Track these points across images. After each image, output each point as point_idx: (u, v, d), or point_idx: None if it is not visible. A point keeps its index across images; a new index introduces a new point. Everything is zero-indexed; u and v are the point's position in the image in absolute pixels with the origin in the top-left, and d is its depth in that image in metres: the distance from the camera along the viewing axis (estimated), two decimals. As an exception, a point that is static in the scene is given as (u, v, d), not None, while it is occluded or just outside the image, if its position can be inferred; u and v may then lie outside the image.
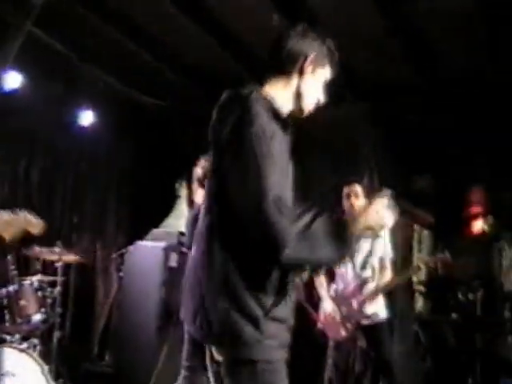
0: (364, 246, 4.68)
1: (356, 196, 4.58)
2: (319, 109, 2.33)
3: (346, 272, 4.66)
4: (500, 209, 8.10)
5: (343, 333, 4.51)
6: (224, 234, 2.00)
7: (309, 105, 2.24)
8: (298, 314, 2.12)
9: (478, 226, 8.40)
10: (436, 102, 6.08)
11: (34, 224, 2.35)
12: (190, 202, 7.35)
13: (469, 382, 5.77)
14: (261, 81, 2.21)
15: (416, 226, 8.24)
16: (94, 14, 4.86)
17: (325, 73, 2.27)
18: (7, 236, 2.28)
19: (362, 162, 6.17)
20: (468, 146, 6.65)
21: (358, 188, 4.62)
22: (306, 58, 2.18)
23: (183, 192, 7.41)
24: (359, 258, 4.67)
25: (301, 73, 2.19)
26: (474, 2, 4.45)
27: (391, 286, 4.64)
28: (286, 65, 2.18)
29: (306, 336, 5.71)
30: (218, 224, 2.03)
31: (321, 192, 6.09)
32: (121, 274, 5.56)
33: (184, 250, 5.11)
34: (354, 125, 6.26)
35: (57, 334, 4.53)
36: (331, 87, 2.33)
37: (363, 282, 4.60)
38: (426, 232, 8.55)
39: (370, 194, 4.79)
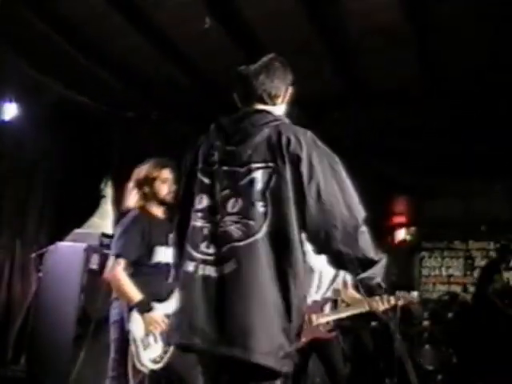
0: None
1: None
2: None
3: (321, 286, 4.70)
4: (422, 220, 8.36)
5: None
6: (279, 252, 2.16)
7: None
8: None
9: (401, 235, 8.66)
10: (363, 113, 6.22)
11: None
12: (118, 204, 7.23)
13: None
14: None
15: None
16: (29, 9, 4.72)
17: None
18: None
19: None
20: (393, 158, 6.81)
21: None
22: (287, 89, 2.60)
23: (108, 192, 7.28)
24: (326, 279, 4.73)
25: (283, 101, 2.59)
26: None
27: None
28: (273, 97, 2.50)
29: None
30: (271, 241, 2.16)
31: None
32: (40, 274, 5.38)
33: (106, 251, 4.99)
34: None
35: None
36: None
37: (325, 301, 4.68)
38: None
39: None
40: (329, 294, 4.74)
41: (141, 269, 3.58)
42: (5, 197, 6.24)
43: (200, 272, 2.20)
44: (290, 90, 2.63)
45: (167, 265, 3.54)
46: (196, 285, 2.19)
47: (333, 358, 4.62)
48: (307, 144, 2.26)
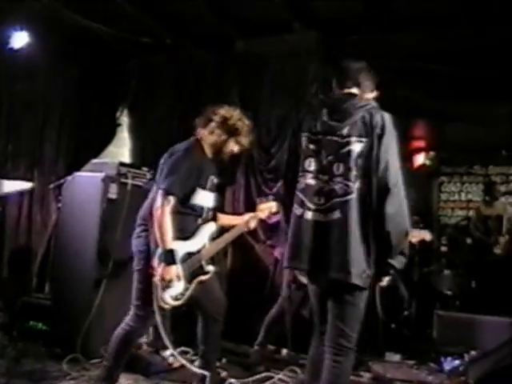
0: None
1: None
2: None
3: None
4: (442, 144, 8.23)
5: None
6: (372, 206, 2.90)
7: None
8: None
9: (420, 160, 8.54)
10: (385, 36, 6.03)
11: None
12: (134, 131, 7.19)
13: (404, 313, 5.97)
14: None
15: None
16: None
17: None
18: None
19: (308, 95, 6.10)
20: (415, 80, 6.65)
21: None
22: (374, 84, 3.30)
23: (124, 120, 7.23)
24: None
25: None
26: None
27: None
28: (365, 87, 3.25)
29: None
30: (360, 199, 2.92)
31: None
32: (59, 204, 5.40)
33: (123, 180, 4.98)
34: (302, 55, 6.16)
35: (-8, 268, 4.40)
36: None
37: None
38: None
39: None
40: None
41: (179, 207, 3.57)
42: (20, 127, 6.22)
43: (314, 217, 2.97)
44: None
45: (201, 208, 3.73)
46: (310, 226, 2.97)
47: None
48: (388, 126, 2.96)
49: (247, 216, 4.13)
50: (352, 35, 6.01)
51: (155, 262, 3.51)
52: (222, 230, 4.00)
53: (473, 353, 5.01)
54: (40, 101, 6.42)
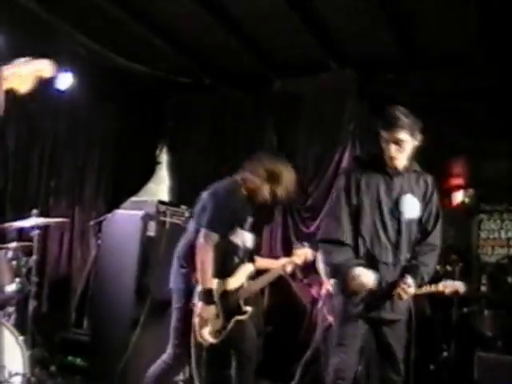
0: None
1: None
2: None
3: None
4: (481, 181, 8.14)
5: None
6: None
7: None
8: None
9: (459, 197, 8.44)
10: (418, 76, 6.05)
11: (44, 65, 2.12)
12: (173, 169, 7.29)
13: (444, 355, 5.85)
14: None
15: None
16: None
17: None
18: (21, 87, 2.09)
19: (345, 131, 6.14)
20: (451, 118, 6.63)
21: None
22: None
23: (163, 158, 7.34)
24: None
25: None
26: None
27: None
28: None
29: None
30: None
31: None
32: (99, 241, 5.50)
33: (162, 218, 5.06)
34: (339, 93, 6.21)
35: (33, 303, 4.47)
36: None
37: None
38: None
39: None
40: None
41: (220, 245, 3.63)
42: (63, 164, 6.38)
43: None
44: None
45: (239, 247, 3.80)
46: None
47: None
48: None
49: (284, 260, 4.20)
50: (386, 74, 6.04)
51: (195, 299, 3.55)
52: (259, 272, 4.05)
53: (515, 396, 4.87)
54: (81, 139, 6.59)
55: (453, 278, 6.05)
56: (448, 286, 4.59)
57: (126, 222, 5.12)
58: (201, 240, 3.57)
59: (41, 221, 4.66)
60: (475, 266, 7.95)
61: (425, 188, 3.50)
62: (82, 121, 6.53)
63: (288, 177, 3.85)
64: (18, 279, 4.15)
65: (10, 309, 4.19)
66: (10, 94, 2.06)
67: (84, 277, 6.28)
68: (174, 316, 3.71)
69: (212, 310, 3.54)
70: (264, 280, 4.06)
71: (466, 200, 8.37)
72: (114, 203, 5.77)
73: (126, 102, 6.80)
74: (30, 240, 4.62)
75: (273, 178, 3.79)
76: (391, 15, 5.13)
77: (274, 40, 5.76)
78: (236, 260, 3.81)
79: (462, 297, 5.65)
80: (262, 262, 4.15)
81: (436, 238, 3.47)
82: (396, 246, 3.35)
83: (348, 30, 5.47)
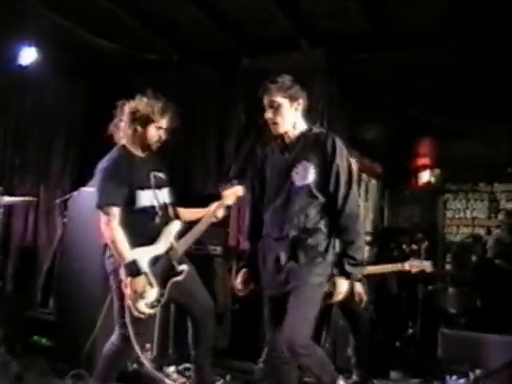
0: None
1: None
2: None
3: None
4: (447, 161, 8.24)
5: None
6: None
7: None
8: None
9: (425, 177, 8.56)
10: (390, 54, 6.06)
11: None
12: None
13: (409, 332, 5.96)
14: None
15: (364, 176, 8.31)
16: None
17: None
18: None
19: (314, 110, 6.13)
20: (420, 97, 6.67)
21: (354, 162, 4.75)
22: None
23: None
24: None
25: None
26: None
27: None
28: None
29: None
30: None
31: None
32: (65, 219, 5.42)
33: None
34: (308, 72, 6.19)
35: (-3, 282, 4.41)
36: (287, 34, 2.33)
37: None
38: (373, 181, 8.65)
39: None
40: None
41: (126, 215, 3.45)
42: (28, 142, 6.26)
43: None
44: None
45: (152, 207, 3.55)
46: None
47: (346, 301, 4.67)
48: None
49: (213, 205, 3.82)
50: (358, 53, 6.04)
51: (123, 277, 3.40)
52: (189, 226, 3.81)
53: (478, 371, 4.98)
54: (47, 116, 6.47)
55: (418, 257, 6.17)
56: (414, 266, 4.68)
57: (93, 199, 5.02)
58: (102, 220, 3.42)
59: (5, 199, 4.56)
60: (440, 244, 8.10)
61: (322, 152, 3.20)
62: (47, 97, 6.40)
63: (156, 108, 3.56)
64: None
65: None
66: None
67: (50, 255, 6.20)
68: (114, 298, 3.57)
69: (142, 280, 3.37)
70: (195, 233, 3.75)
71: (432, 180, 8.50)
72: (80, 181, 5.68)
73: (93, 79, 6.69)
74: (-6, 219, 4.54)
75: (142, 119, 3.55)
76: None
77: (245, 17, 5.70)
78: (156, 222, 3.58)
79: (428, 275, 5.74)
80: (188, 214, 3.86)
81: (353, 205, 3.18)
82: (286, 219, 3.17)
83: (319, 8, 5.43)
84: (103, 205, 3.43)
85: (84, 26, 5.80)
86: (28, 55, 5.68)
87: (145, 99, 3.62)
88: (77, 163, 6.73)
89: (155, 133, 3.59)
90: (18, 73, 5.76)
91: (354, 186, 3.21)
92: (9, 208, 5.42)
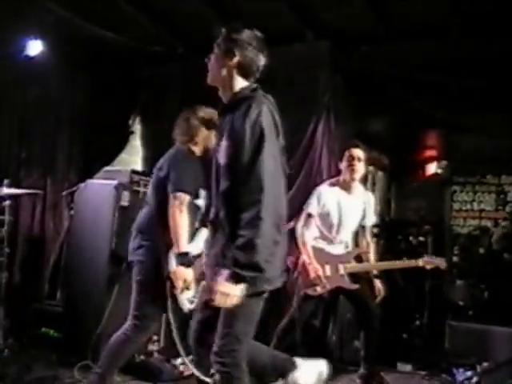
0: (356, 207, 4.74)
1: (358, 160, 4.70)
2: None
3: (339, 233, 4.72)
4: (454, 154, 8.20)
5: (318, 289, 4.59)
6: None
7: None
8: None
9: (432, 169, 8.53)
10: (394, 44, 6.03)
11: None
12: (147, 139, 7.22)
13: (416, 324, 5.95)
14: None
15: (371, 168, 8.27)
16: None
17: None
18: None
19: (320, 102, 6.11)
20: (426, 89, 6.64)
21: (359, 153, 4.73)
22: None
23: (137, 128, 7.25)
24: (352, 221, 4.74)
25: None
26: None
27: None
28: None
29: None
30: None
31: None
32: (71, 212, 5.44)
33: (136, 188, 5.02)
34: (313, 64, 6.16)
35: (5, 275, 4.41)
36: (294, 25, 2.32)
37: (358, 251, 4.85)
38: (380, 174, 8.62)
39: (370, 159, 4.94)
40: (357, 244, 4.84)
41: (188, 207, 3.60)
42: (34, 135, 6.26)
43: None
44: None
45: (198, 210, 3.77)
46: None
47: (360, 296, 4.69)
48: None
49: None
50: (362, 46, 6.01)
51: (171, 265, 3.51)
52: None
53: (485, 364, 4.97)
54: (52, 109, 6.45)
55: (425, 249, 6.16)
56: (429, 262, 4.65)
57: (99, 191, 5.06)
58: (175, 203, 3.50)
59: (12, 191, 4.57)
60: (448, 236, 8.06)
61: (232, 120, 2.68)
62: (53, 90, 6.38)
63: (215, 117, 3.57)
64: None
65: (-18, 279, 4.14)
66: None
67: (57, 248, 6.21)
68: (135, 289, 3.64)
69: (192, 272, 3.51)
70: None
71: (440, 172, 8.46)
72: (87, 173, 5.69)
73: (97, 72, 6.67)
74: (1, 211, 4.55)
75: (206, 123, 3.81)
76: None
77: (247, 7, 5.67)
78: (196, 225, 3.78)
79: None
80: None
81: (256, 184, 2.50)
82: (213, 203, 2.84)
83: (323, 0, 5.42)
84: (181, 191, 3.54)
85: (88, 18, 5.79)
86: (33, 47, 5.68)
87: (205, 108, 3.89)
88: (82, 156, 6.73)
89: (213, 138, 3.70)
90: (23, 65, 5.75)
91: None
92: (16, 200, 5.42)
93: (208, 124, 3.79)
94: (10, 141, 5.96)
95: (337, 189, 4.79)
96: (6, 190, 4.51)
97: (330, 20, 5.77)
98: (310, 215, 4.73)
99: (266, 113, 2.60)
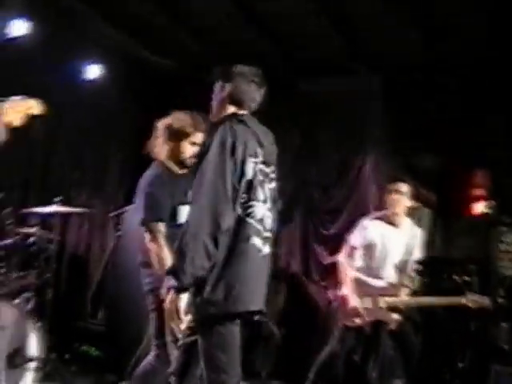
0: (400, 242, 4.70)
1: (402, 194, 4.67)
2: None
3: (382, 267, 4.68)
4: (502, 194, 8.05)
5: (357, 321, 4.55)
6: None
7: None
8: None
9: (479, 208, 8.36)
10: (445, 81, 6.00)
11: (33, 104, 2.26)
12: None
13: (459, 365, 5.79)
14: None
15: (417, 204, 8.16)
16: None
17: None
18: (15, 121, 2.22)
19: (369, 135, 6.11)
20: (476, 128, 6.58)
21: (404, 187, 4.71)
22: None
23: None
24: (396, 255, 4.70)
25: None
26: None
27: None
28: None
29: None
30: None
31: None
32: (118, 233, 5.52)
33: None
34: (364, 97, 6.18)
35: (51, 290, 4.49)
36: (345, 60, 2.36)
37: (400, 285, 4.70)
38: (426, 210, 8.51)
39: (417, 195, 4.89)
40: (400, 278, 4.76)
41: (167, 231, 3.36)
42: (86, 156, 6.41)
43: (268, 251, 2.73)
44: None
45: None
46: (266, 261, 2.76)
47: (401, 333, 4.61)
48: None
49: None
50: (414, 77, 6.00)
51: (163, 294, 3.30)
52: None
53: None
54: (105, 131, 6.62)
55: (471, 289, 6.01)
56: (473, 301, 4.52)
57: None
58: (147, 237, 3.33)
59: (63, 209, 4.68)
60: (493, 277, 7.86)
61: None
62: (107, 113, 6.56)
63: (191, 122, 3.54)
64: (37, 265, 4.17)
65: (28, 295, 4.21)
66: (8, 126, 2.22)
67: (101, 268, 6.30)
68: (152, 319, 3.54)
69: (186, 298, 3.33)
70: None
71: (487, 211, 8.29)
72: (134, 195, 5.77)
73: (149, 97, 6.82)
74: (51, 228, 4.65)
75: (176, 133, 3.54)
76: (418, 17, 5.08)
77: (300, 39, 5.75)
78: None
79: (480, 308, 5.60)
80: None
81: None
82: None
83: (377, 35, 5.44)
84: (149, 221, 3.36)
85: (145, 44, 5.95)
86: (91, 71, 5.87)
87: (178, 114, 3.64)
88: (131, 178, 6.83)
89: (189, 148, 3.56)
90: (80, 88, 5.93)
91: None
92: (64, 220, 5.53)
93: (177, 135, 3.55)
94: (63, 160, 6.12)
95: (382, 222, 4.76)
96: (57, 208, 4.62)
97: (382, 53, 5.79)
98: (353, 247, 4.71)
99: (224, 132, 2.67)
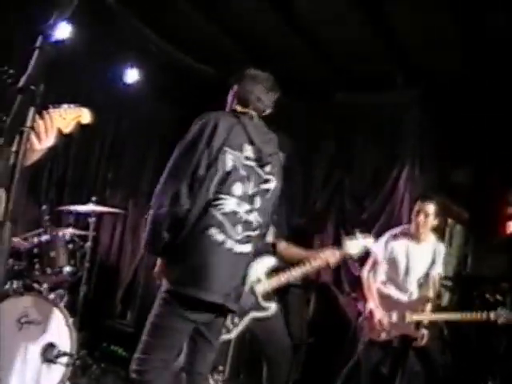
0: (424, 257, 4.67)
1: (426, 216, 4.59)
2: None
3: (405, 281, 4.65)
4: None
5: (383, 335, 4.52)
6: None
7: None
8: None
9: (514, 227, 8.24)
10: (485, 96, 5.93)
11: (83, 112, 2.35)
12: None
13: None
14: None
15: (450, 220, 8.09)
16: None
17: None
18: (65, 129, 2.31)
19: (406, 147, 6.07)
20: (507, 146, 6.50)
21: (429, 207, 4.60)
22: None
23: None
24: (419, 271, 4.66)
25: None
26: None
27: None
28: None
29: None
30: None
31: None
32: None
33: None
34: (402, 108, 6.15)
35: (83, 288, 4.56)
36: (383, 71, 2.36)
37: (425, 300, 4.66)
38: (458, 227, 8.41)
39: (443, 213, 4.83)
40: (423, 293, 4.71)
41: None
42: (122, 157, 6.49)
43: (232, 247, 2.78)
44: None
45: None
46: (228, 256, 2.80)
47: (428, 350, 4.55)
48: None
49: (328, 252, 3.97)
50: (452, 88, 5.95)
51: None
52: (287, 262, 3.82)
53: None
54: (141, 135, 6.71)
55: (503, 308, 5.90)
56: (502, 317, 4.42)
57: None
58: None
59: (98, 208, 4.75)
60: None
61: None
62: (144, 117, 6.64)
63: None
64: (72, 262, 4.23)
65: (62, 291, 4.29)
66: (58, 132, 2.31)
67: (132, 270, 6.36)
68: None
69: None
70: (296, 275, 3.79)
71: (521, 230, 8.16)
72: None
73: (187, 102, 6.88)
74: (86, 228, 4.72)
75: None
76: (457, 31, 5.05)
77: (344, 52, 5.75)
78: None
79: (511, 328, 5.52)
80: (289, 251, 3.88)
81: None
82: None
83: (420, 49, 5.42)
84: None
85: (185, 50, 6.00)
86: (130, 76, 5.95)
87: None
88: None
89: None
90: (119, 91, 6.02)
91: None
92: (98, 220, 5.61)
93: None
94: (100, 162, 6.21)
95: (406, 237, 4.73)
96: (93, 207, 4.69)
97: (421, 64, 5.76)
98: (376, 261, 4.70)
99: (208, 118, 2.98)
